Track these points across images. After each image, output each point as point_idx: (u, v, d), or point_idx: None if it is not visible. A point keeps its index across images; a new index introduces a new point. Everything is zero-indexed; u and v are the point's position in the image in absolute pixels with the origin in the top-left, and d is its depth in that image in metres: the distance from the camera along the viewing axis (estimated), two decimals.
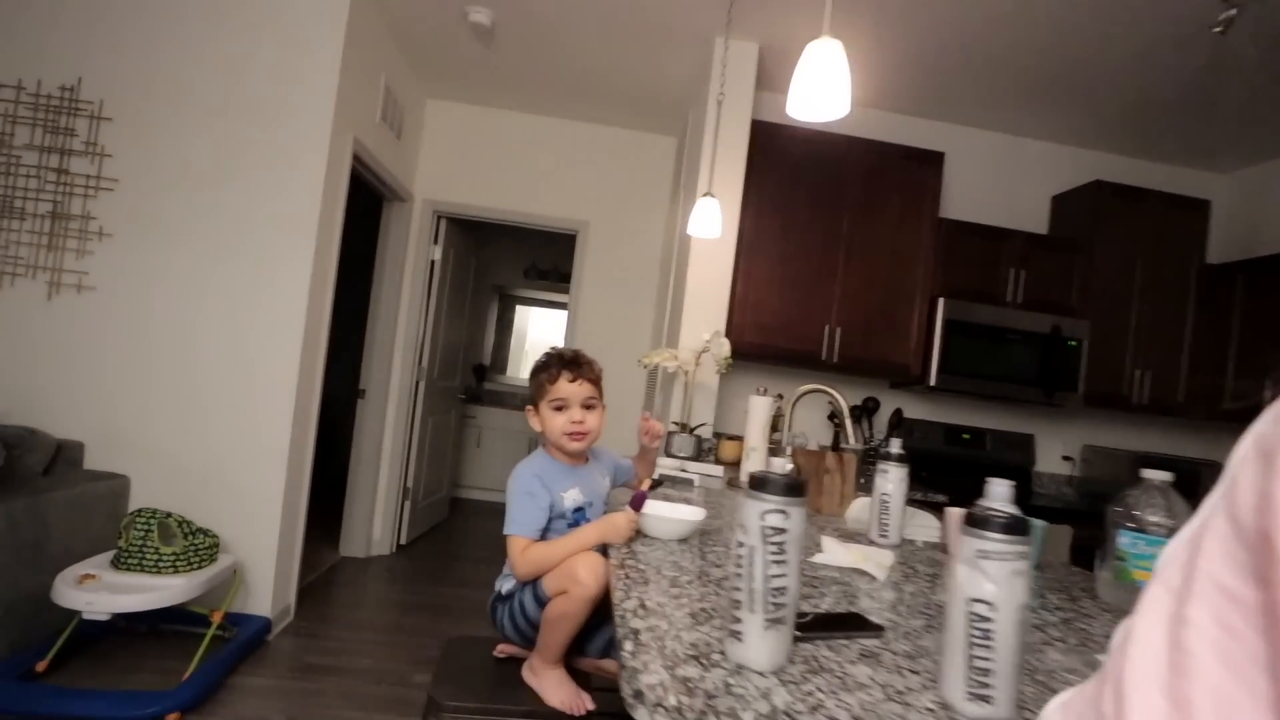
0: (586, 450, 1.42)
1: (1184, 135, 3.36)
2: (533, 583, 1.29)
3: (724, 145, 2.79)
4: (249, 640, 2.57)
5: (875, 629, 0.94)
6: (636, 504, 1.26)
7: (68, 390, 2.69)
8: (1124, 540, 1.29)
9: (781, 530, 0.75)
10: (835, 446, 3.30)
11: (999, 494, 0.74)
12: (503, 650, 1.39)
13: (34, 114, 2.70)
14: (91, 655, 2.39)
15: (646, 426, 1.61)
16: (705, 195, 2.38)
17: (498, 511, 5.35)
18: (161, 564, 2.32)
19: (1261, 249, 3.39)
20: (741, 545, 0.77)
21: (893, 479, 1.57)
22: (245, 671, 2.45)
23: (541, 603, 1.26)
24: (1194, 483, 3.27)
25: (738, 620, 0.76)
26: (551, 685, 1.27)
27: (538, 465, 1.37)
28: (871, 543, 1.58)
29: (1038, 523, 1.52)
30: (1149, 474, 1.31)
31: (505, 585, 1.36)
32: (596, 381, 1.40)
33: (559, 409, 1.37)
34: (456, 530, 4.80)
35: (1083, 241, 3.24)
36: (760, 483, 0.76)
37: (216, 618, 2.42)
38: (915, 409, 3.46)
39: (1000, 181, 3.55)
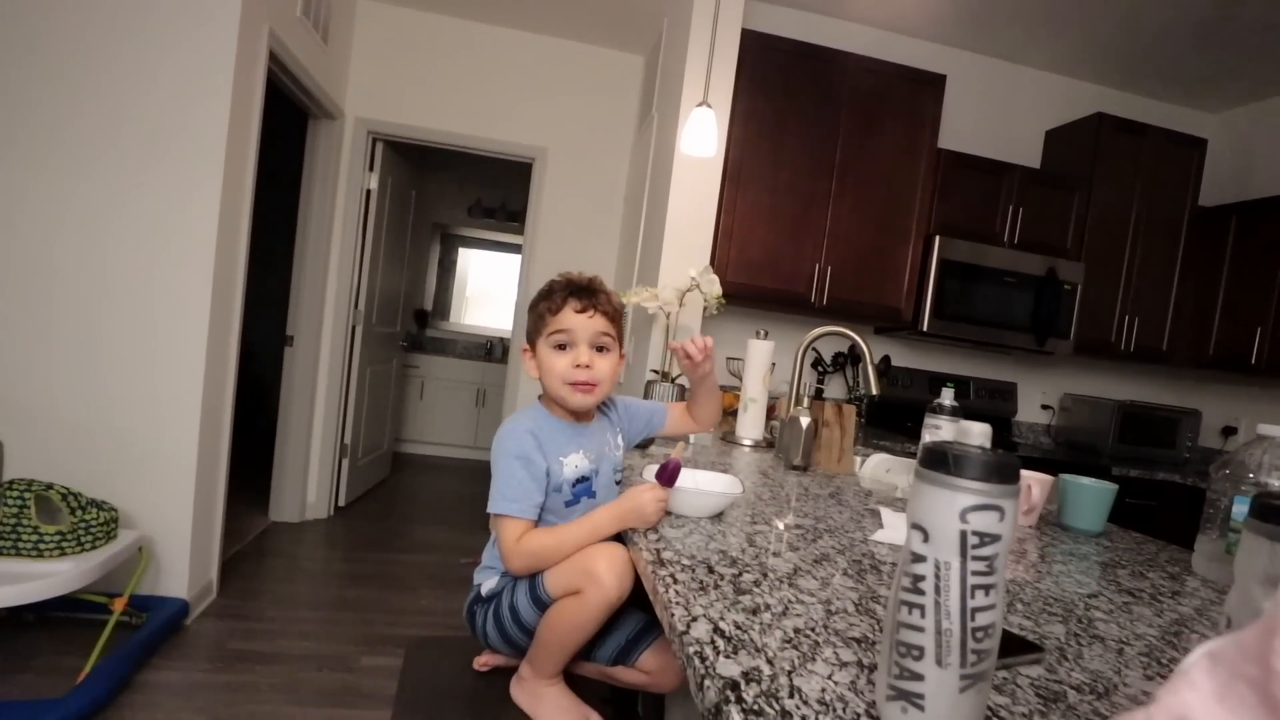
0: (594, 405, 1.10)
1: (1181, 70, 3.19)
2: (529, 578, 0.99)
3: (718, 49, 2.42)
4: (162, 627, 2.19)
5: (1033, 650, 0.68)
6: (668, 478, 0.97)
7: None
8: (1240, 508, 1.08)
9: (992, 538, 0.47)
10: (818, 397, 3.09)
11: None
12: (485, 663, 1.09)
13: None
14: None
15: (686, 345, 1.17)
16: (701, 105, 2.03)
17: (445, 467, 5.02)
18: (43, 546, 1.91)
19: (1250, 192, 3.29)
20: (920, 560, 0.48)
21: (947, 435, 1.33)
22: (158, 665, 2.08)
23: (541, 604, 0.96)
24: (1173, 432, 3.23)
25: (912, 676, 0.48)
26: (551, 708, 0.98)
27: (531, 420, 1.05)
28: None
29: (1107, 485, 1.31)
30: (1268, 430, 1.10)
31: (488, 583, 1.05)
32: (615, 318, 1.07)
33: (561, 348, 1.05)
34: (401, 489, 4.44)
35: (1081, 178, 3.05)
36: (955, 462, 0.47)
37: (118, 605, 2.04)
38: (901, 356, 3.27)
39: (994, 112, 3.31)
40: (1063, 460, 2.88)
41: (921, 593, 0.48)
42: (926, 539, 0.48)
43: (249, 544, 3.11)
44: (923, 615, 0.48)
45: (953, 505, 0.47)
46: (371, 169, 3.64)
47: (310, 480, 3.57)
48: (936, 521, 0.47)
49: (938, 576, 0.47)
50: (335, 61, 3.30)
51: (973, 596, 0.47)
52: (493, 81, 3.63)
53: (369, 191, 3.64)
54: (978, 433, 1.27)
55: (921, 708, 0.48)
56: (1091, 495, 1.29)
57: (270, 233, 3.85)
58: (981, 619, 0.47)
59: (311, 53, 2.97)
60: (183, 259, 2.29)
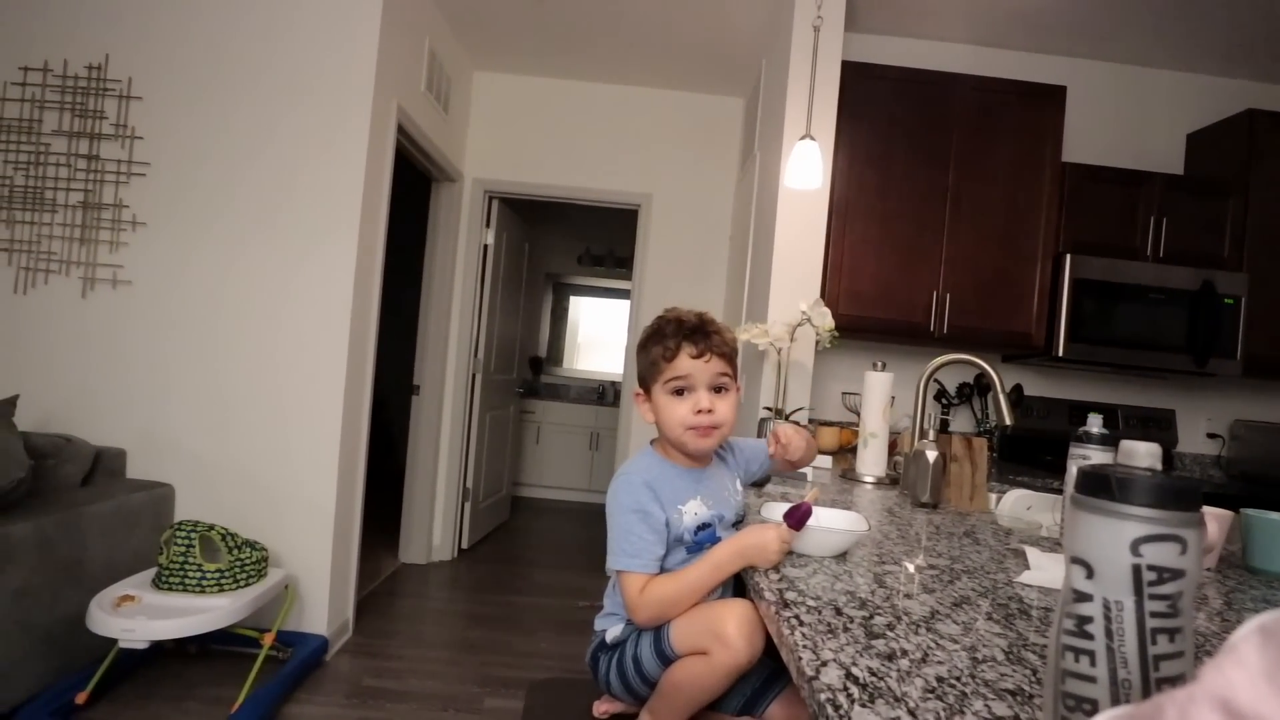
0: (714, 448, 1.07)
1: None
2: (654, 629, 0.98)
3: (818, 82, 2.40)
4: (305, 662, 2.34)
5: None
6: (797, 521, 0.92)
7: (108, 394, 2.50)
8: None
9: (1173, 574, 0.41)
10: (944, 430, 2.90)
11: None
12: (605, 711, 1.07)
13: (61, 97, 2.52)
14: (138, 682, 2.19)
15: (779, 434, 1.15)
16: (804, 139, 2.02)
17: (561, 510, 5.11)
18: (205, 582, 2.10)
19: None
20: (1085, 599, 0.43)
21: None
22: (301, 698, 2.22)
23: (665, 659, 0.94)
24: None
25: None
26: None
27: (645, 470, 1.03)
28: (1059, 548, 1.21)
29: None
30: None
31: (613, 630, 1.04)
32: (731, 356, 1.04)
33: (679, 393, 1.02)
34: (519, 532, 4.56)
35: (1234, 182, 2.75)
36: (1121, 486, 0.42)
37: (267, 640, 2.19)
38: (1034, 384, 3.02)
39: (1124, 119, 3.07)
40: (1240, 495, 2.53)
41: (1089, 636, 0.43)
42: (1091, 575, 0.43)
43: (381, 584, 3.28)
44: (1093, 663, 0.42)
45: (1121, 536, 0.42)
46: (488, 225, 3.87)
47: (436, 523, 3.74)
48: (1102, 554, 0.42)
49: (1108, 618, 0.42)
50: (454, 129, 3.57)
51: (1154, 642, 0.41)
52: (598, 135, 3.79)
53: (486, 247, 3.87)
54: (1144, 453, 1.10)
55: None
56: None
57: (397, 289, 4.16)
58: (1168, 669, 0.41)
59: (434, 123, 3.22)
60: (322, 319, 2.51)
